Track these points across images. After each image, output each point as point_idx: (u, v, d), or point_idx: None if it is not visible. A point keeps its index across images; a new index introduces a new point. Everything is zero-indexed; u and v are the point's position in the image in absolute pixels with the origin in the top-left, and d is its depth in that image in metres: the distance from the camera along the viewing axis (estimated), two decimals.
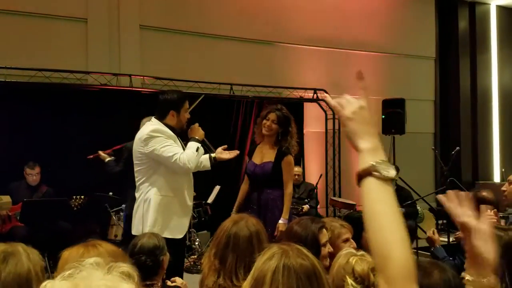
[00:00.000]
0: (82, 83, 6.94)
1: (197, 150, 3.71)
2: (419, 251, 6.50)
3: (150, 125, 3.76)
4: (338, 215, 8.17)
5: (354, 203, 7.79)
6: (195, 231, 6.73)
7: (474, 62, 10.42)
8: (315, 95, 8.59)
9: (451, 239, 5.32)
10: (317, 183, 7.65)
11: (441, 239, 6.96)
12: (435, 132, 10.45)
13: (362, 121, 1.26)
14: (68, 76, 6.79)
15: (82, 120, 6.79)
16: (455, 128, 10.24)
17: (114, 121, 6.75)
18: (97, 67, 7.15)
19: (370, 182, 1.17)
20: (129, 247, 2.83)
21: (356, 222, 3.28)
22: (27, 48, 6.88)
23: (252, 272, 1.62)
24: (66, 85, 6.78)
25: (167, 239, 3.04)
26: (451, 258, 3.65)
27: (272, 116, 4.31)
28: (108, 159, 5.63)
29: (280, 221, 4.20)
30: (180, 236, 3.76)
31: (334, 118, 8.81)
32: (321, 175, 8.03)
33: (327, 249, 2.68)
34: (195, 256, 6.56)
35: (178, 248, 3.69)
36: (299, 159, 8.56)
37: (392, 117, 8.29)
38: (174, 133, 3.79)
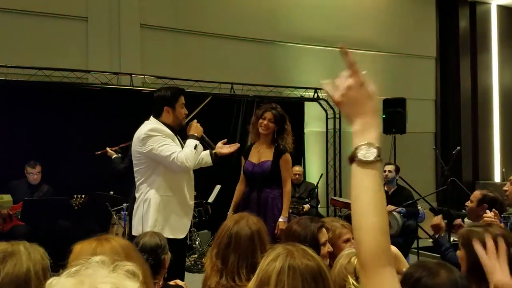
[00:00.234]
0: (82, 82, 6.94)
1: (195, 148, 3.66)
2: (420, 251, 6.50)
3: (148, 124, 3.72)
4: (338, 214, 8.17)
5: None
6: (195, 230, 6.73)
7: (474, 61, 10.41)
8: (315, 94, 8.59)
9: (451, 239, 5.32)
10: (317, 183, 7.65)
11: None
12: (435, 131, 10.45)
13: (350, 102, 1.23)
14: (68, 75, 6.79)
15: (82, 119, 6.79)
16: (456, 127, 10.24)
17: (114, 120, 6.76)
18: (98, 66, 7.14)
19: (353, 167, 1.17)
20: None
21: None
22: (28, 47, 6.88)
23: (256, 273, 1.61)
24: (67, 84, 6.79)
25: (168, 239, 3.03)
26: (452, 250, 3.64)
27: (268, 115, 4.33)
28: (114, 156, 5.75)
29: (280, 219, 4.22)
30: (181, 236, 3.72)
31: (334, 118, 8.82)
32: (321, 174, 8.03)
33: (327, 248, 2.68)
34: (196, 256, 6.57)
35: (180, 248, 3.68)
36: (300, 159, 8.56)
37: (393, 117, 8.28)
38: (173, 131, 3.74)
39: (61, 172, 6.36)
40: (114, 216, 6.11)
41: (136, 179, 3.77)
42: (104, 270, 0.99)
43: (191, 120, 3.91)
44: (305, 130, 8.84)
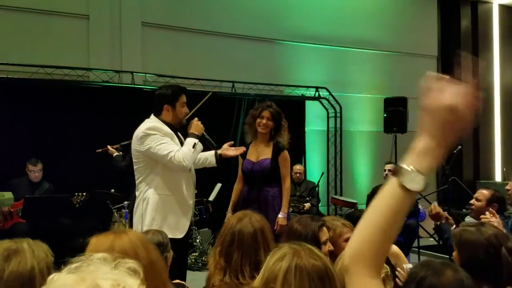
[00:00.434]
0: (84, 80, 6.95)
1: (193, 147, 3.63)
2: (421, 250, 6.50)
3: (147, 123, 3.70)
4: (339, 213, 8.17)
5: (355, 201, 7.79)
6: (196, 228, 6.73)
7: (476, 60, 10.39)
8: (317, 93, 8.59)
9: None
10: (318, 182, 7.65)
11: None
12: None
13: (438, 122, 1.05)
14: (70, 73, 6.80)
15: (83, 117, 6.79)
16: None
17: (115, 118, 6.75)
18: (99, 64, 7.15)
19: (392, 181, 1.10)
20: None
21: (357, 221, 3.27)
22: (29, 45, 6.88)
23: (262, 271, 1.60)
24: (68, 81, 6.79)
25: None
26: None
27: (266, 113, 4.34)
28: (116, 153, 5.72)
29: (279, 215, 4.24)
30: (180, 235, 3.68)
31: (336, 116, 8.82)
32: (322, 173, 8.03)
33: (327, 247, 2.68)
34: (197, 254, 6.57)
35: (180, 247, 3.66)
36: (301, 157, 8.56)
37: (394, 116, 8.27)
38: (172, 129, 3.72)
39: (62, 170, 6.36)
40: (115, 214, 6.12)
41: (135, 177, 3.77)
42: (105, 267, 1.00)
43: (191, 117, 3.88)
44: (306, 129, 8.84)
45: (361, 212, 3.60)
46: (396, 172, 1.09)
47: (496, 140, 10.61)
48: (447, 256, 4.93)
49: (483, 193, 4.20)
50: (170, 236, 3.50)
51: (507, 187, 4.57)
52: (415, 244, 6.44)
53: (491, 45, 10.62)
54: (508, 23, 10.75)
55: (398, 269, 2.64)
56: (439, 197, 9.11)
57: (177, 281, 3.04)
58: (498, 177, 10.41)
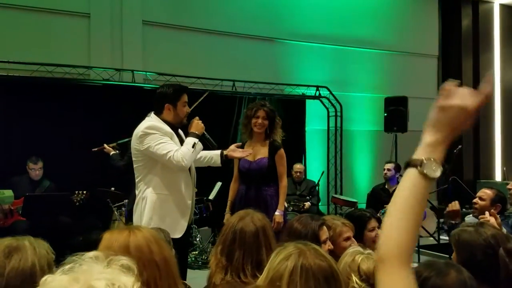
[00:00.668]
0: (84, 78, 6.95)
1: (193, 146, 3.60)
2: (420, 249, 6.50)
3: (147, 122, 3.68)
4: (339, 212, 8.17)
5: (355, 201, 7.79)
6: (196, 227, 6.74)
7: (477, 60, 10.39)
8: (317, 92, 8.59)
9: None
10: (318, 181, 7.65)
11: (441, 237, 7.00)
12: None
13: (448, 118, 1.22)
14: (70, 71, 6.80)
15: (84, 115, 6.79)
16: None
17: (116, 117, 6.75)
18: (100, 62, 7.15)
19: (411, 172, 1.19)
20: None
21: (357, 220, 3.28)
22: (30, 43, 6.88)
23: (266, 270, 1.59)
24: (69, 80, 6.79)
25: None
26: None
27: (261, 113, 4.34)
28: (112, 152, 5.66)
29: (276, 213, 4.24)
30: (177, 235, 3.62)
31: (336, 115, 8.82)
32: (322, 172, 8.03)
33: (327, 246, 2.68)
34: (197, 252, 6.58)
35: (180, 246, 3.65)
36: (301, 156, 8.57)
37: (395, 115, 8.27)
38: (173, 128, 3.70)
39: (63, 168, 6.36)
40: (115, 212, 6.12)
41: (135, 176, 3.76)
42: (98, 265, 0.99)
43: (189, 116, 3.85)
44: (307, 128, 8.84)
45: (361, 211, 3.60)
46: (414, 163, 1.18)
47: (496, 140, 10.61)
48: (447, 256, 4.94)
49: (487, 193, 4.18)
50: None
51: (508, 186, 4.56)
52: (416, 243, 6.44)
53: (491, 45, 10.62)
54: (509, 22, 10.74)
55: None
56: (439, 196, 9.11)
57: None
58: (498, 177, 10.41)
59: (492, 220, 3.37)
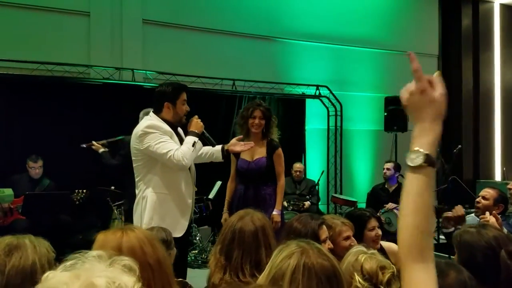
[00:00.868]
0: (84, 77, 6.94)
1: (193, 145, 3.59)
2: None
3: (146, 121, 3.66)
4: (339, 212, 8.17)
5: (355, 200, 7.79)
6: (196, 226, 6.74)
7: (477, 60, 10.39)
8: (317, 91, 8.59)
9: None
10: (318, 180, 7.66)
11: (441, 236, 6.99)
12: None
13: (412, 107, 1.29)
14: (70, 70, 6.79)
15: (84, 113, 6.79)
16: (457, 126, 10.23)
17: (116, 115, 6.75)
18: (100, 61, 7.14)
19: (406, 170, 1.23)
20: None
21: (357, 219, 3.29)
22: (30, 41, 6.88)
23: (268, 268, 1.58)
24: (68, 78, 6.78)
25: None
26: None
27: (258, 113, 4.33)
28: (102, 150, 5.56)
29: (274, 212, 4.24)
30: (178, 235, 3.60)
31: (336, 115, 8.82)
32: (322, 171, 8.03)
33: (327, 245, 2.69)
34: (196, 251, 6.58)
35: (179, 245, 3.65)
36: (301, 156, 8.57)
37: (394, 114, 8.28)
38: (172, 127, 3.68)
39: (63, 166, 6.36)
40: (115, 211, 6.12)
41: (135, 176, 3.75)
42: (100, 264, 0.99)
43: (189, 115, 3.85)
44: (306, 127, 8.84)
45: (361, 211, 3.60)
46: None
47: (496, 139, 10.61)
48: (447, 255, 4.94)
49: (490, 192, 4.17)
50: None
51: (509, 186, 4.56)
52: None
53: (491, 45, 10.61)
54: (509, 22, 10.74)
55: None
56: (438, 196, 9.12)
57: (180, 279, 3.05)
58: (497, 177, 10.41)
59: (492, 220, 3.37)
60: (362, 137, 9.53)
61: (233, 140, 4.00)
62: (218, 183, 6.97)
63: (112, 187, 6.29)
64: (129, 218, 4.46)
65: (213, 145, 3.89)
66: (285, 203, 6.59)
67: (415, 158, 1.21)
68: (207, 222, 7.09)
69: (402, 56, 9.97)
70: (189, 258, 6.16)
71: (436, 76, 1.29)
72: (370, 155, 9.54)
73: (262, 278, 1.61)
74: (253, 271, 2.18)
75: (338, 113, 8.81)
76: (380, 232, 3.35)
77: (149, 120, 3.66)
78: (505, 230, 3.09)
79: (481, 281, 1.87)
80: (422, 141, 1.23)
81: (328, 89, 8.62)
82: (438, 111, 1.26)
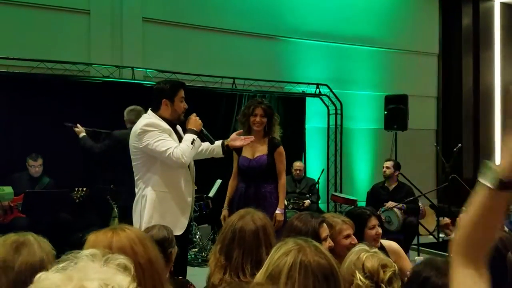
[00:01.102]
0: (84, 75, 6.94)
1: (192, 143, 3.58)
2: (420, 247, 6.50)
3: (145, 119, 3.65)
4: (339, 210, 8.17)
5: (355, 199, 7.79)
6: (196, 224, 6.74)
7: (477, 59, 10.38)
8: (317, 90, 8.58)
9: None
10: (318, 178, 7.66)
11: (441, 235, 7.00)
12: (437, 128, 10.45)
13: None
14: (70, 68, 6.79)
15: (84, 112, 6.76)
16: (457, 124, 10.22)
17: (116, 113, 6.72)
18: (100, 59, 7.13)
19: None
20: None
21: (357, 218, 3.29)
22: (30, 39, 6.87)
23: (266, 265, 1.59)
24: (68, 76, 6.78)
25: None
26: None
27: (258, 111, 4.32)
28: (82, 134, 5.54)
29: (277, 211, 4.22)
30: (178, 233, 3.58)
31: (336, 113, 8.81)
32: (322, 170, 8.03)
33: (328, 243, 2.68)
34: (196, 249, 6.59)
35: (179, 243, 3.64)
36: (301, 154, 8.56)
37: (395, 113, 8.28)
38: (171, 125, 3.68)
39: (62, 165, 6.36)
40: (115, 209, 6.12)
41: (134, 174, 3.75)
42: (93, 264, 0.98)
43: (187, 113, 3.83)
44: (307, 126, 8.83)
45: (361, 209, 3.60)
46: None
47: (496, 138, 10.60)
48: (447, 254, 4.94)
49: None
50: None
51: None
52: (415, 241, 6.45)
53: (492, 43, 10.60)
54: (510, 21, 10.72)
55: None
56: (438, 194, 9.13)
57: (181, 277, 3.04)
58: None
59: None
60: (362, 136, 9.53)
61: (233, 135, 4.00)
62: (218, 182, 6.97)
63: (112, 186, 6.28)
64: (124, 216, 4.45)
65: (212, 142, 3.87)
66: (285, 202, 6.58)
67: (484, 176, 1.10)
68: (207, 221, 7.09)
69: (403, 54, 9.97)
70: (189, 257, 6.16)
71: None
72: (370, 153, 9.54)
73: (259, 276, 1.61)
74: (253, 271, 2.16)
75: (338, 111, 8.80)
76: (380, 230, 3.36)
77: (147, 119, 3.65)
78: (506, 229, 3.09)
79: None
80: (502, 161, 1.08)
81: (328, 87, 8.61)
82: None
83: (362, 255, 2.09)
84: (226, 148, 3.96)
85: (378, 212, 5.62)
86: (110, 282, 0.92)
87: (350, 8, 9.28)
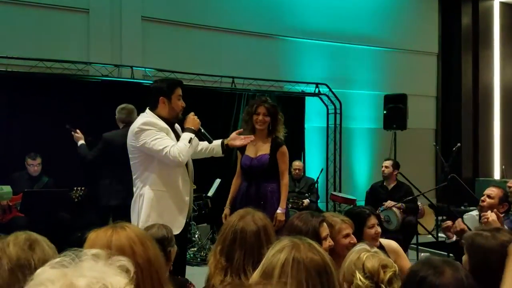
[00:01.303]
0: (83, 74, 6.93)
1: (189, 142, 3.56)
2: (419, 247, 6.51)
3: (142, 118, 3.64)
4: (338, 210, 8.17)
5: (354, 198, 7.79)
6: (195, 223, 6.74)
7: (476, 58, 10.39)
8: (317, 89, 8.58)
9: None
10: (317, 178, 7.65)
11: (440, 234, 6.99)
12: (436, 128, 10.46)
13: None
14: (69, 67, 6.79)
15: (83, 111, 6.78)
16: (457, 124, 10.23)
17: (115, 113, 6.72)
18: (99, 58, 7.13)
19: None
20: None
21: (357, 217, 3.28)
22: (29, 38, 6.86)
23: (262, 263, 1.60)
24: (67, 75, 6.78)
25: None
26: None
27: (262, 110, 4.31)
28: (81, 142, 5.51)
29: (278, 211, 4.21)
30: (176, 232, 3.50)
31: (335, 113, 8.81)
32: (322, 169, 8.03)
33: (328, 242, 2.68)
34: (195, 249, 6.58)
35: (178, 243, 3.63)
36: (300, 154, 8.56)
37: (394, 113, 8.28)
38: (168, 123, 3.66)
39: (62, 164, 6.35)
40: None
41: (132, 173, 3.74)
42: (93, 263, 0.97)
43: (186, 112, 3.82)
44: (306, 125, 8.83)
45: (360, 208, 3.59)
46: None
47: (495, 138, 10.61)
48: (445, 253, 4.94)
49: (495, 191, 4.16)
50: None
51: (509, 184, 4.56)
52: (414, 241, 6.45)
53: (491, 43, 10.60)
54: (509, 21, 10.73)
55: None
56: (437, 194, 9.13)
57: (180, 277, 3.03)
58: (496, 175, 10.41)
59: (493, 217, 3.37)
60: (361, 135, 9.53)
61: (233, 134, 3.99)
62: (217, 181, 6.96)
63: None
64: (118, 215, 4.42)
65: (210, 142, 3.84)
66: None
67: None
68: (206, 220, 7.09)
69: (402, 54, 9.97)
70: (188, 256, 6.15)
71: None
72: (370, 153, 9.55)
73: (255, 274, 1.61)
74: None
75: (338, 111, 8.80)
76: (379, 229, 3.35)
77: (145, 117, 3.63)
78: (506, 228, 3.09)
79: (494, 285, 1.85)
80: None
81: (328, 87, 8.61)
82: None
83: (363, 255, 2.09)
84: (226, 148, 3.94)
85: (377, 212, 5.62)
86: (101, 281, 0.91)
87: (350, 8, 9.28)
